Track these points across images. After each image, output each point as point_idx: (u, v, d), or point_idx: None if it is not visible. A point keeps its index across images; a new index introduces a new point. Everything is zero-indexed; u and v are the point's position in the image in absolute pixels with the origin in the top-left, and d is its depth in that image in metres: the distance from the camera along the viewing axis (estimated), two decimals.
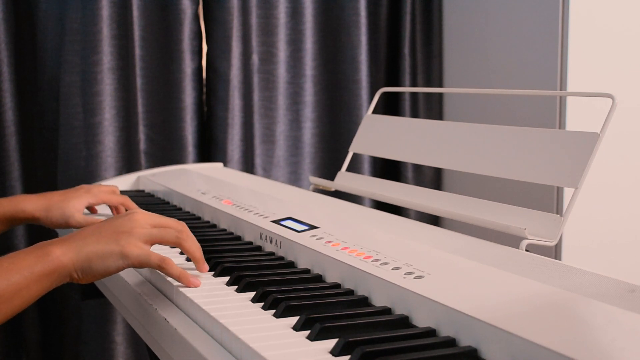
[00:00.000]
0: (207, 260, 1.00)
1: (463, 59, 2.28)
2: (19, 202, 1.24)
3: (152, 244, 0.93)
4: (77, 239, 0.90)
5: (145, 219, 0.94)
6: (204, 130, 2.16)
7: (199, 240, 1.07)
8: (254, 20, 2.16)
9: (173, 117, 2.09)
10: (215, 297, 0.87)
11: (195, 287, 0.91)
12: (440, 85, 2.37)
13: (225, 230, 1.23)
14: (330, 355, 0.68)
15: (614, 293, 0.73)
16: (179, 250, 1.08)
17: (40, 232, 1.83)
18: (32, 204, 1.23)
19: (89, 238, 0.90)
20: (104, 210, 1.40)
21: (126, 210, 1.33)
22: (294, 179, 2.28)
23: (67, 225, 1.25)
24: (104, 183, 1.71)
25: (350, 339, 0.68)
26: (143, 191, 1.66)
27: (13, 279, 0.83)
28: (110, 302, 1.21)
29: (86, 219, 1.26)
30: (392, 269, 0.84)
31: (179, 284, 0.92)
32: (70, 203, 1.25)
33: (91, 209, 1.37)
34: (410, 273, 0.82)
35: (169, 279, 0.94)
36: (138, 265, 0.91)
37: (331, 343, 0.70)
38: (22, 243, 1.96)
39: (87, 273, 0.89)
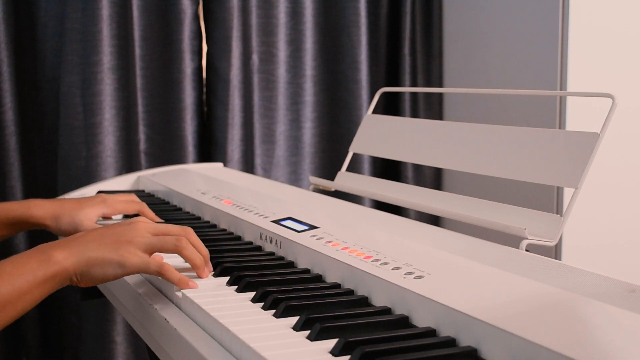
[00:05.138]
0: None
1: (463, 59, 2.28)
2: (29, 207, 1.21)
3: (151, 253, 0.94)
4: (79, 244, 0.91)
5: (147, 228, 0.95)
6: (204, 130, 2.16)
7: None
8: (254, 20, 2.16)
9: (173, 117, 2.09)
10: (215, 297, 0.87)
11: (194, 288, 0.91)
12: (440, 85, 2.37)
13: (225, 230, 1.23)
14: (330, 355, 0.68)
15: (614, 293, 0.73)
16: None
17: (42, 235, 1.83)
18: (43, 211, 1.20)
19: (91, 244, 0.91)
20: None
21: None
22: (294, 179, 2.28)
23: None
24: (104, 183, 1.70)
25: (350, 339, 0.68)
26: (143, 191, 1.66)
27: (17, 284, 0.84)
28: (110, 302, 1.20)
29: (95, 227, 1.21)
30: (392, 269, 0.84)
31: None
32: (82, 211, 1.22)
33: (107, 219, 1.32)
34: (410, 273, 0.82)
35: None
36: (137, 272, 0.92)
37: (331, 343, 0.70)
38: (23, 243, 1.96)
39: (85, 277, 0.89)
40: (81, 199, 1.27)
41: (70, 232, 1.21)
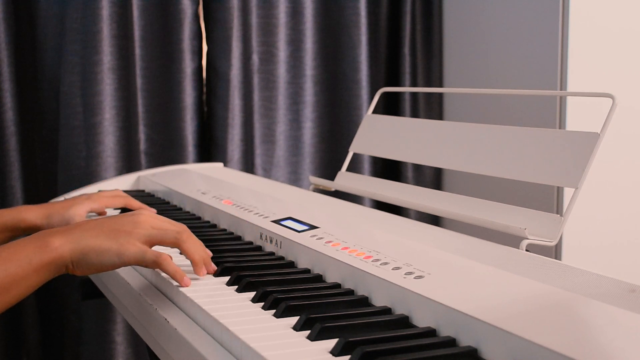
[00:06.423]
0: None
1: (463, 59, 2.28)
2: (20, 212, 1.24)
3: (151, 245, 0.93)
4: (77, 231, 0.90)
5: (148, 221, 0.94)
6: (204, 130, 2.16)
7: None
8: (254, 20, 2.16)
9: (173, 117, 2.09)
10: (216, 297, 0.87)
11: (186, 286, 0.90)
12: (440, 85, 2.37)
13: (225, 230, 1.23)
14: (330, 355, 0.68)
15: (614, 293, 0.73)
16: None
17: None
18: (34, 214, 1.24)
19: (89, 232, 0.90)
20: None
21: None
22: (294, 179, 2.28)
23: None
24: (104, 183, 1.71)
25: (350, 339, 0.68)
26: (143, 191, 1.66)
27: (11, 269, 0.84)
28: (110, 302, 1.21)
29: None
30: (392, 269, 0.84)
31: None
32: (72, 209, 1.26)
33: (100, 214, 1.33)
34: (410, 273, 0.82)
35: (170, 279, 0.94)
36: (134, 263, 0.91)
37: (331, 343, 0.70)
38: None
39: (81, 265, 0.88)
40: (68, 199, 1.31)
41: None
